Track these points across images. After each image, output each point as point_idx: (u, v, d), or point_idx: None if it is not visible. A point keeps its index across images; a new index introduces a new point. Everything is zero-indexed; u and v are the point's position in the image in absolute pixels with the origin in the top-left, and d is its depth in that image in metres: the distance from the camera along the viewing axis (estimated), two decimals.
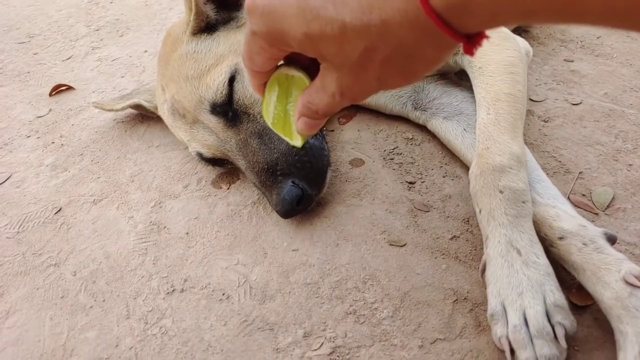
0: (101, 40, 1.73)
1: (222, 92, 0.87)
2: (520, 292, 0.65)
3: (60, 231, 0.96)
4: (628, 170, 0.89)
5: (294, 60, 0.48)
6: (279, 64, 0.48)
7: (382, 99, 1.06)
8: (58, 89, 1.44)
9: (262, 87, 0.50)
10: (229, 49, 0.91)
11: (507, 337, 0.64)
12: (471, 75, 0.91)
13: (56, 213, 1.01)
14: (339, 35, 0.36)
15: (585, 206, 0.83)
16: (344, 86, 0.40)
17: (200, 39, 0.91)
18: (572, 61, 1.20)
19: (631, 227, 0.79)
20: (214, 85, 0.87)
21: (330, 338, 0.71)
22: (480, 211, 0.75)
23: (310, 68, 0.46)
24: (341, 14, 0.35)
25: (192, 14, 0.90)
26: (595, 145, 0.95)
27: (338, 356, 0.69)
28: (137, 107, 1.17)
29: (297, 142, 0.51)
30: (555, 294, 0.64)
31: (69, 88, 1.45)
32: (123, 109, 1.16)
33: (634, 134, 0.96)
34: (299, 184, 0.82)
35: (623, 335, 0.60)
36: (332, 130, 1.09)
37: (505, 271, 0.68)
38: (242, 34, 0.94)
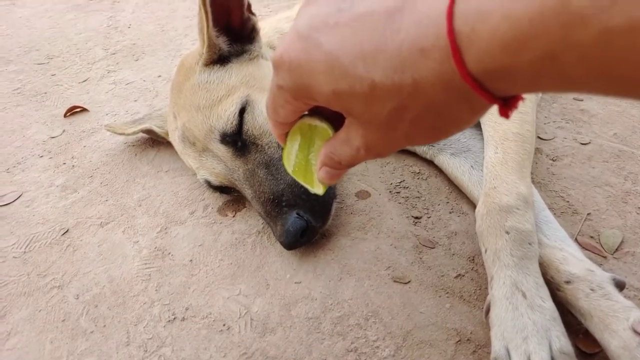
0: (117, 63, 1.77)
1: (232, 123, 0.88)
2: (525, 336, 0.64)
3: (66, 253, 0.97)
4: (638, 214, 0.88)
5: (318, 110, 0.47)
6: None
7: None
8: (73, 111, 1.47)
9: (284, 136, 0.50)
10: (241, 81, 0.92)
11: None
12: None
13: (63, 234, 1.02)
14: (368, 93, 0.35)
15: (594, 249, 0.82)
16: (369, 142, 0.40)
17: (212, 70, 0.93)
18: (582, 100, 1.20)
19: None
20: (225, 116, 0.88)
21: None
22: (485, 251, 0.75)
23: (334, 118, 0.46)
24: (372, 72, 0.34)
25: (205, 46, 0.92)
26: (604, 187, 0.94)
27: None
28: (148, 132, 1.19)
29: (319, 190, 0.50)
30: (561, 340, 0.63)
31: (83, 110, 1.47)
32: (134, 133, 1.18)
33: None
34: (304, 216, 0.82)
35: None
36: None
37: (510, 314, 0.67)
38: (255, 66, 0.96)
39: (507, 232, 0.72)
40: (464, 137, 0.98)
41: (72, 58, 1.86)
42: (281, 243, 0.84)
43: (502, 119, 0.86)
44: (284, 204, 0.84)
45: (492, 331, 0.68)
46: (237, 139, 0.89)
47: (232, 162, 0.90)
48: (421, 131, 0.37)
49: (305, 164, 0.50)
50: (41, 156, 1.29)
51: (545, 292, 0.68)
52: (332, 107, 0.39)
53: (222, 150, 0.90)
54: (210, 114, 0.89)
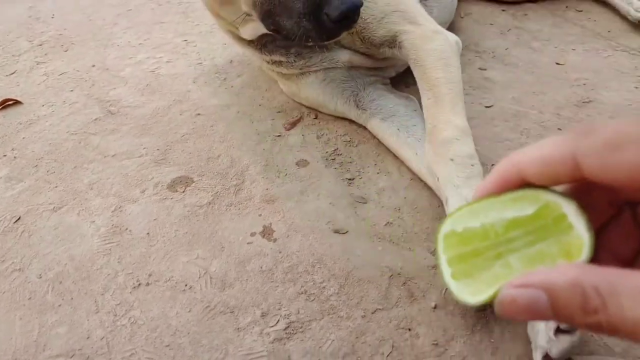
0: (45, 54, 1.75)
1: None
2: None
3: (22, 238, 1.01)
4: None
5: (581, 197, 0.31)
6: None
7: (329, 94, 1.17)
8: (5, 104, 1.45)
9: (488, 192, 0.33)
10: None
11: None
12: (412, 68, 1.04)
13: (15, 222, 1.05)
14: None
15: None
16: None
17: None
18: (486, 69, 1.37)
19: None
20: None
21: (285, 315, 0.81)
22: (438, 179, 0.88)
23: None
24: None
25: None
26: (505, 141, 1.11)
27: (293, 330, 0.79)
28: None
29: (479, 297, 0.30)
30: None
31: (17, 102, 1.46)
32: None
33: (535, 131, 1.13)
34: None
35: None
36: (279, 135, 1.19)
37: None
38: None
39: (452, 160, 0.86)
40: (390, 103, 1.11)
41: None
42: (339, 12, 0.79)
43: (426, 69, 0.96)
44: None
45: None
46: None
47: None
48: None
49: (494, 253, 0.31)
50: None
51: None
52: None
53: None
54: None
